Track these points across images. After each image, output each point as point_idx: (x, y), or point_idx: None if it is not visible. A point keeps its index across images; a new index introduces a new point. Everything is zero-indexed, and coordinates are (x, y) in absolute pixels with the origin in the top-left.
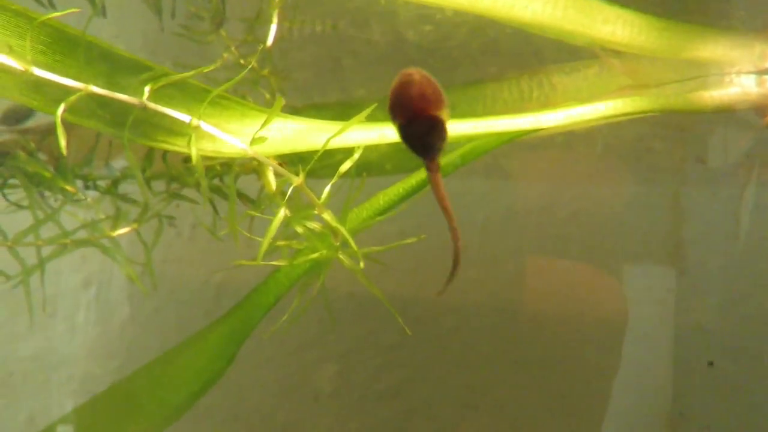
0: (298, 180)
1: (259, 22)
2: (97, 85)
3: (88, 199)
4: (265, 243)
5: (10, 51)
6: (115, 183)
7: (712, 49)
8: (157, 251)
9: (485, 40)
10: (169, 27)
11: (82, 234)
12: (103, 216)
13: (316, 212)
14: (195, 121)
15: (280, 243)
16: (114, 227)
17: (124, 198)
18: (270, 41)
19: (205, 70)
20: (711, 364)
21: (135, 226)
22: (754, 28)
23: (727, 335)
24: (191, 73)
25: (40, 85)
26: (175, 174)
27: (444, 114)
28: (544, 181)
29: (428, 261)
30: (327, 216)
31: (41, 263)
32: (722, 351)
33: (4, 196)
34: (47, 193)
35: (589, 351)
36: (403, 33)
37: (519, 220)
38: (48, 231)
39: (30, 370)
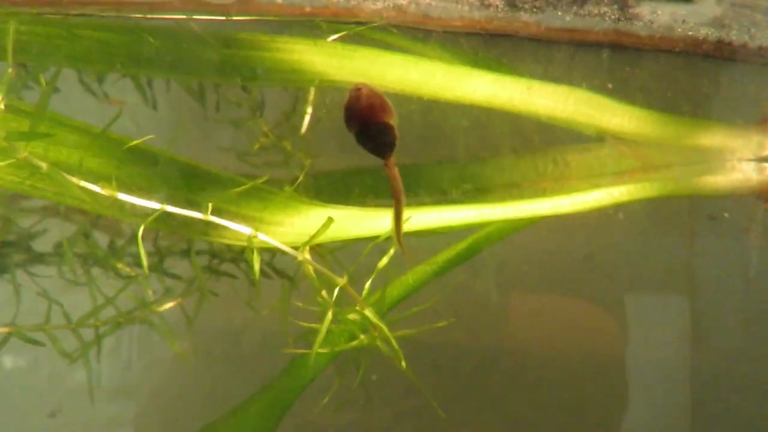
0: (342, 281)
1: (294, 114)
2: (170, 194)
3: (137, 276)
4: (316, 346)
5: (94, 176)
6: (162, 260)
7: (713, 138)
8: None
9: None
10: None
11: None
12: (150, 292)
13: (357, 308)
14: (254, 233)
15: (318, 326)
16: (161, 303)
17: (170, 274)
18: (303, 129)
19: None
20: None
21: (180, 300)
22: (752, 121)
23: (744, 375)
24: (259, 181)
25: (119, 202)
26: (217, 251)
27: (390, 119)
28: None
29: (446, 307)
30: (369, 314)
31: (98, 339)
32: (739, 390)
33: (61, 275)
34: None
35: (590, 388)
36: (439, 121)
37: (534, 261)
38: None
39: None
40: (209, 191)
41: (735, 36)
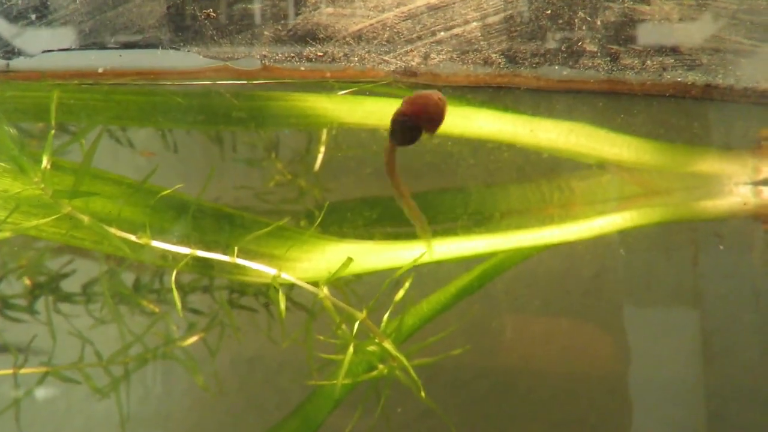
0: (361, 316)
1: (308, 153)
2: (197, 237)
3: (162, 313)
4: (340, 379)
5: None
6: (185, 296)
7: (710, 164)
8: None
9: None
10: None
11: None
12: (174, 327)
13: (377, 341)
14: (278, 273)
15: (339, 357)
16: (185, 338)
17: (194, 310)
18: (317, 167)
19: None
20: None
21: (202, 335)
22: (747, 146)
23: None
24: (281, 222)
25: (151, 247)
26: (236, 286)
27: (428, 129)
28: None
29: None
30: (388, 346)
31: (127, 375)
32: (755, 404)
33: (89, 313)
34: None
35: (602, 407)
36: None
37: (542, 282)
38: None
39: None
40: (233, 232)
41: (721, 79)
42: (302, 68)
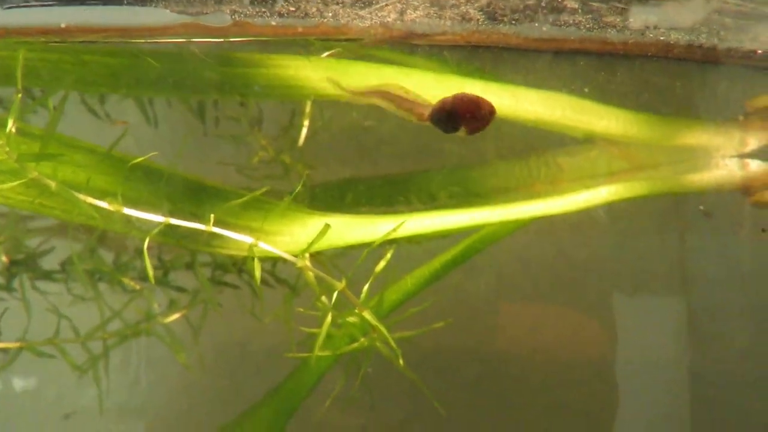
0: (340, 286)
1: (291, 126)
2: (174, 208)
3: (143, 289)
4: (317, 348)
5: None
6: (167, 273)
7: (698, 137)
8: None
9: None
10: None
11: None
12: (156, 305)
13: (356, 311)
14: (255, 242)
15: (319, 330)
16: (166, 315)
17: (175, 286)
18: (301, 142)
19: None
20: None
21: (185, 311)
22: (732, 109)
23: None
24: (258, 192)
25: (125, 216)
26: (220, 263)
27: (463, 125)
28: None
29: (448, 310)
30: (368, 316)
31: (105, 352)
32: (741, 387)
33: (69, 291)
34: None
35: (587, 391)
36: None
37: (533, 267)
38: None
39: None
40: (211, 204)
41: (705, 39)
42: (273, 23)
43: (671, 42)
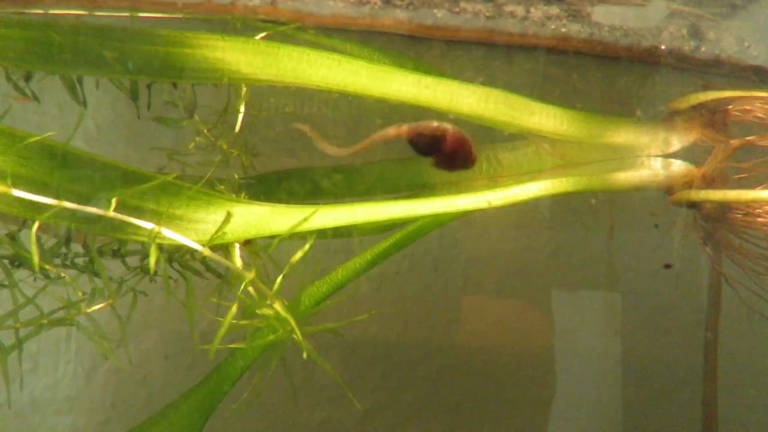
0: (250, 275)
1: (227, 112)
2: (74, 189)
3: (66, 277)
4: (216, 341)
5: None
6: (92, 261)
7: (625, 135)
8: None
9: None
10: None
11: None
12: (80, 293)
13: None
14: (157, 228)
15: (244, 322)
16: (90, 304)
17: (100, 275)
18: (238, 128)
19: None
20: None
21: (110, 302)
22: (659, 119)
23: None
24: (169, 177)
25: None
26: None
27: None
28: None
29: (410, 305)
30: (278, 307)
31: (19, 343)
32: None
33: None
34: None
35: (523, 379)
36: (368, 113)
37: (499, 261)
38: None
39: (14, 425)
40: (123, 189)
41: (607, 33)
42: None
43: (572, 35)
